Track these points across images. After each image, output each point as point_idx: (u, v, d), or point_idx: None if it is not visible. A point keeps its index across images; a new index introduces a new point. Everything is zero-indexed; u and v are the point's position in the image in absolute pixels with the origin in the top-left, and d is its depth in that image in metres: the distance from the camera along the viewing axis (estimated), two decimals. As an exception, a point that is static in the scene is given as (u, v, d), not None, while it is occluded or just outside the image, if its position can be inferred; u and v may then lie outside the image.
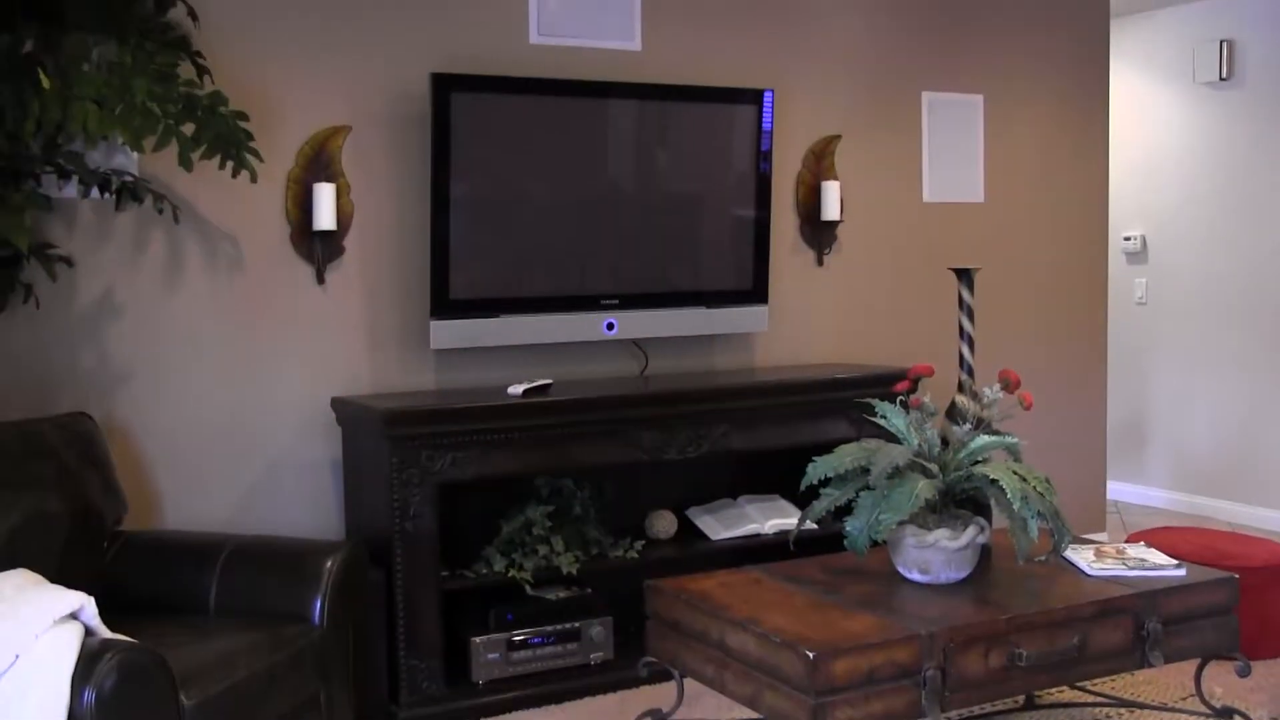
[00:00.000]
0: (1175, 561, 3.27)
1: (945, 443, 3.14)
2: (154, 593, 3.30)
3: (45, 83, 2.98)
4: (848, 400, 4.17)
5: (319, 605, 3.18)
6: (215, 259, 3.90)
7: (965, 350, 3.45)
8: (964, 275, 3.49)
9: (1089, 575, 3.19)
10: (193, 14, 3.62)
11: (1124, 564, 3.24)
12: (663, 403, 4.11)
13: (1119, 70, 6.08)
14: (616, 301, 4.32)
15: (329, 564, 3.23)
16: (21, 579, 2.78)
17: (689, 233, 4.55)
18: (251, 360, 3.95)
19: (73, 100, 3.01)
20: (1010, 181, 5.39)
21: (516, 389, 3.94)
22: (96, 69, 3.04)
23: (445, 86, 3.96)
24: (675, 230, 4.51)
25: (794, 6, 4.84)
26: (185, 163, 3.23)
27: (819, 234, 4.90)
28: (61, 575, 2.94)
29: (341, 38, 4.04)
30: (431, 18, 4.17)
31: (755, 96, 4.50)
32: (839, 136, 4.92)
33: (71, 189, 3.55)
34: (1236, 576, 3.25)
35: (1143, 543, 3.56)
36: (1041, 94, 5.47)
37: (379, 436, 3.67)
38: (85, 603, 2.65)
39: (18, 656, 2.50)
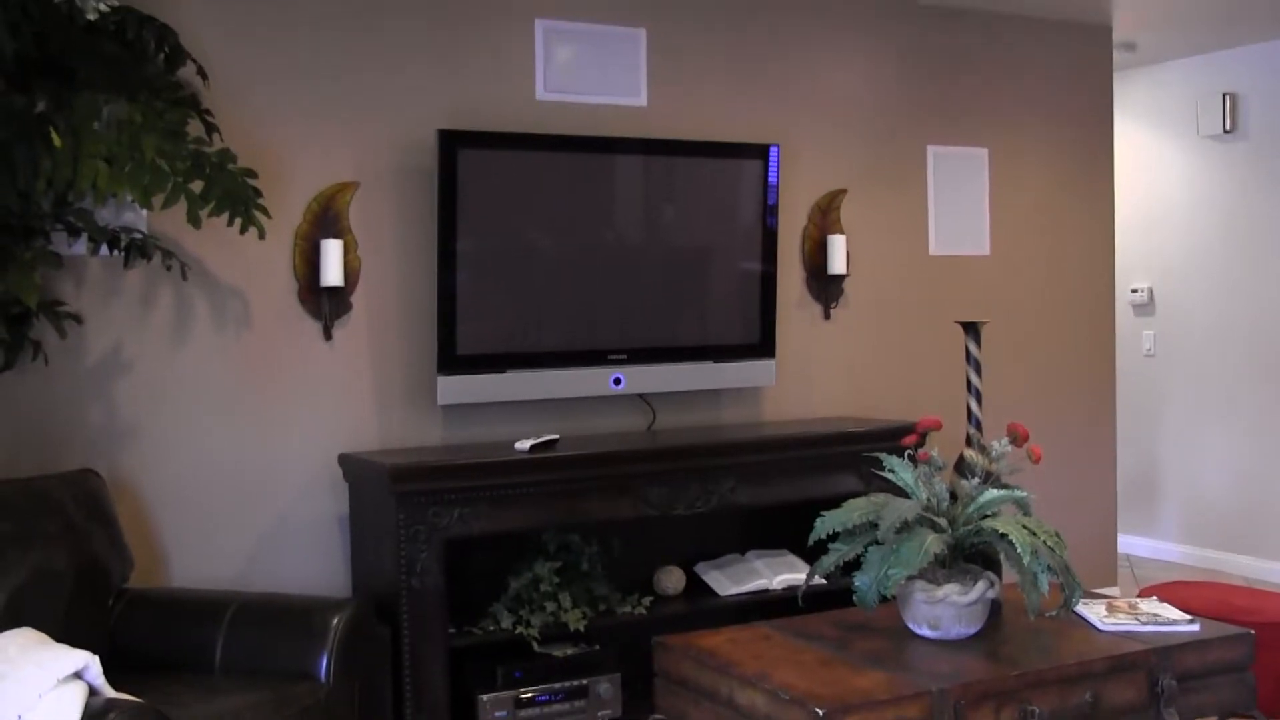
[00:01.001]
0: (1189, 617, 3.24)
1: (954, 497, 3.12)
2: (160, 651, 3.28)
3: (57, 141, 3.00)
4: (855, 454, 4.15)
5: (325, 663, 3.16)
6: (223, 315, 3.91)
7: (973, 404, 3.44)
8: (971, 329, 3.48)
9: (1101, 630, 3.16)
10: (202, 73, 3.65)
11: (1137, 619, 3.21)
12: (670, 458, 4.09)
13: (1123, 123, 6.12)
14: (624, 356, 4.32)
15: (335, 621, 3.21)
16: (25, 638, 2.76)
17: (696, 287, 4.56)
18: (259, 416, 3.95)
19: (83, 158, 3.03)
20: (1016, 234, 5.40)
21: (524, 444, 3.93)
22: (107, 127, 3.06)
23: (452, 143, 3.98)
24: (682, 285, 4.52)
25: (799, 62, 4.88)
26: (194, 220, 3.25)
27: (826, 288, 4.90)
28: (66, 633, 2.92)
29: (349, 95, 4.08)
30: (438, 75, 4.21)
31: (761, 151, 4.53)
32: (845, 191, 4.94)
33: (81, 246, 3.57)
34: (1252, 632, 3.21)
35: (1155, 597, 3.53)
36: (1046, 147, 5.50)
37: (386, 492, 3.66)
38: (90, 661, 2.63)
39: (20, 717, 2.48)
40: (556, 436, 4.08)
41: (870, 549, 2.98)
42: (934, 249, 5.19)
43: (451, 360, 4.03)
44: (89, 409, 3.72)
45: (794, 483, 4.27)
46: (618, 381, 4.30)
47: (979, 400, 3.42)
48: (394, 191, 4.13)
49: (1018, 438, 3.20)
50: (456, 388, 4.05)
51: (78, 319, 3.64)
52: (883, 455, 3.20)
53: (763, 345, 4.58)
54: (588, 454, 3.97)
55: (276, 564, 3.94)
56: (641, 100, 4.56)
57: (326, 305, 4.01)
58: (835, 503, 3.13)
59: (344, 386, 4.07)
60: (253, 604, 3.37)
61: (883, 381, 5.03)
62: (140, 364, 3.80)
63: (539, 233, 4.27)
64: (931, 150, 5.19)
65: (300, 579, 3.92)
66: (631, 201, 4.50)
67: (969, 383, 3.45)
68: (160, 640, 3.32)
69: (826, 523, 3.07)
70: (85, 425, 3.72)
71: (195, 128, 3.54)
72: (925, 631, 3.06)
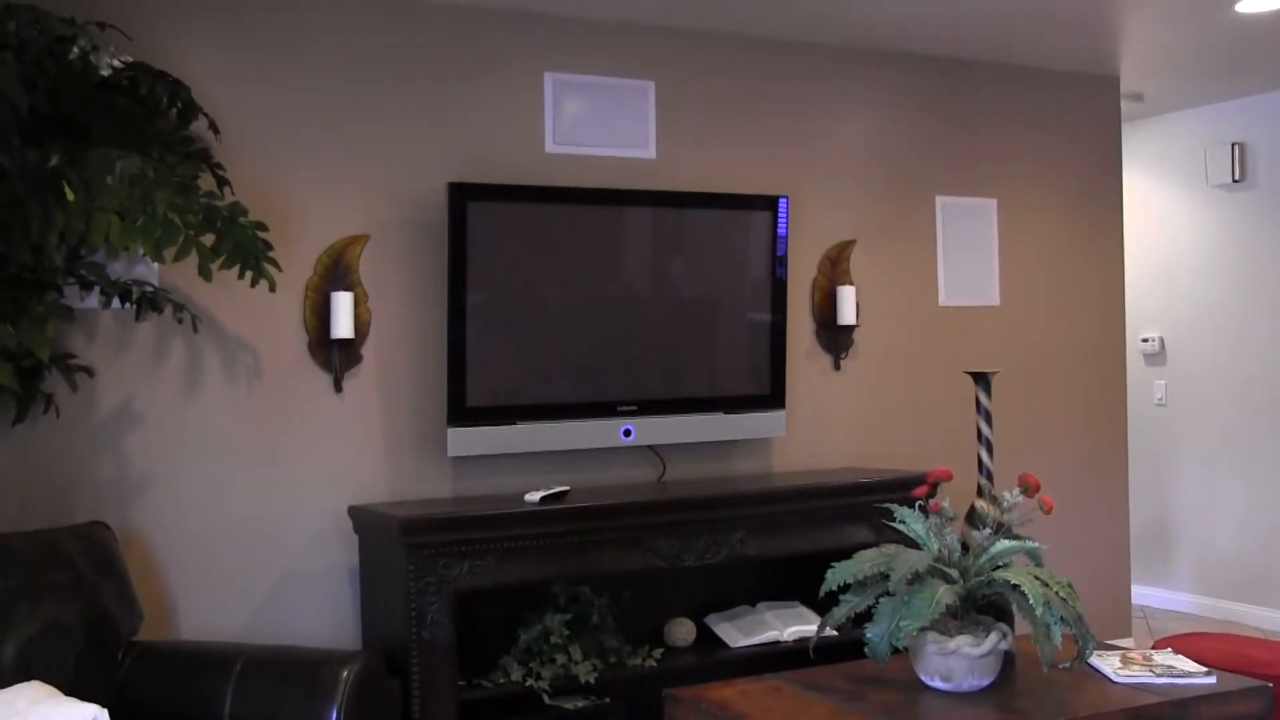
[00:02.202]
0: (1204, 669, 3.21)
1: (965, 548, 3.11)
2: (169, 704, 3.26)
3: (70, 196, 3.03)
4: (867, 505, 4.14)
5: (335, 716, 3.13)
6: (234, 368, 3.92)
7: (984, 454, 3.42)
8: (981, 379, 3.48)
9: (1115, 683, 3.13)
10: (214, 126, 3.69)
11: (1151, 671, 3.18)
12: (681, 509, 4.08)
13: (1132, 173, 6.14)
14: (634, 408, 4.32)
15: (345, 674, 3.19)
16: (35, 691, 2.75)
17: (706, 338, 4.56)
18: (269, 468, 3.95)
19: (96, 212, 3.05)
20: (1026, 284, 5.40)
21: (533, 496, 3.93)
22: (119, 182, 3.09)
23: (462, 195, 4.01)
24: (693, 336, 4.52)
25: (807, 114, 4.91)
26: (205, 273, 3.27)
27: (836, 338, 4.91)
28: (76, 687, 2.91)
29: (359, 148, 4.11)
30: (448, 128, 4.25)
31: (770, 203, 4.55)
32: (854, 241, 4.96)
33: (93, 299, 3.59)
34: (1270, 685, 3.19)
35: (1170, 649, 3.50)
36: (1055, 197, 5.51)
37: (396, 544, 3.65)
38: (99, 715, 2.62)
39: (28, 771, 2.47)
40: (566, 488, 4.07)
41: (882, 600, 2.96)
42: (943, 300, 5.19)
43: (461, 412, 4.03)
44: (100, 461, 3.73)
45: (804, 534, 4.25)
46: (628, 433, 4.30)
47: (990, 451, 3.41)
48: (404, 244, 4.15)
49: (1029, 488, 3.18)
50: (466, 439, 4.05)
51: (90, 372, 3.65)
52: (894, 506, 3.19)
53: (773, 396, 4.58)
54: (597, 506, 3.96)
55: (286, 615, 3.93)
56: (651, 153, 4.59)
57: (337, 357, 4.02)
58: (846, 554, 3.12)
59: (354, 438, 4.07)
60: (261, 656, 3.35)
61: (893, 431, 5.02)
62: (151, 416, 3.80)
63: (549, 284, 4.29)
64: (940, 200, 5.21)
65: (310, 631, 3.91)
66: (642, 253, 4.51)
67: (979, 433, 3.44)
68: (169, 693, 3.29)
69: (837, 574, 3.05)
70: (95, 477, 3.72)
71: (207, 181, 3.57)
72: (938, 684, 3.04)
